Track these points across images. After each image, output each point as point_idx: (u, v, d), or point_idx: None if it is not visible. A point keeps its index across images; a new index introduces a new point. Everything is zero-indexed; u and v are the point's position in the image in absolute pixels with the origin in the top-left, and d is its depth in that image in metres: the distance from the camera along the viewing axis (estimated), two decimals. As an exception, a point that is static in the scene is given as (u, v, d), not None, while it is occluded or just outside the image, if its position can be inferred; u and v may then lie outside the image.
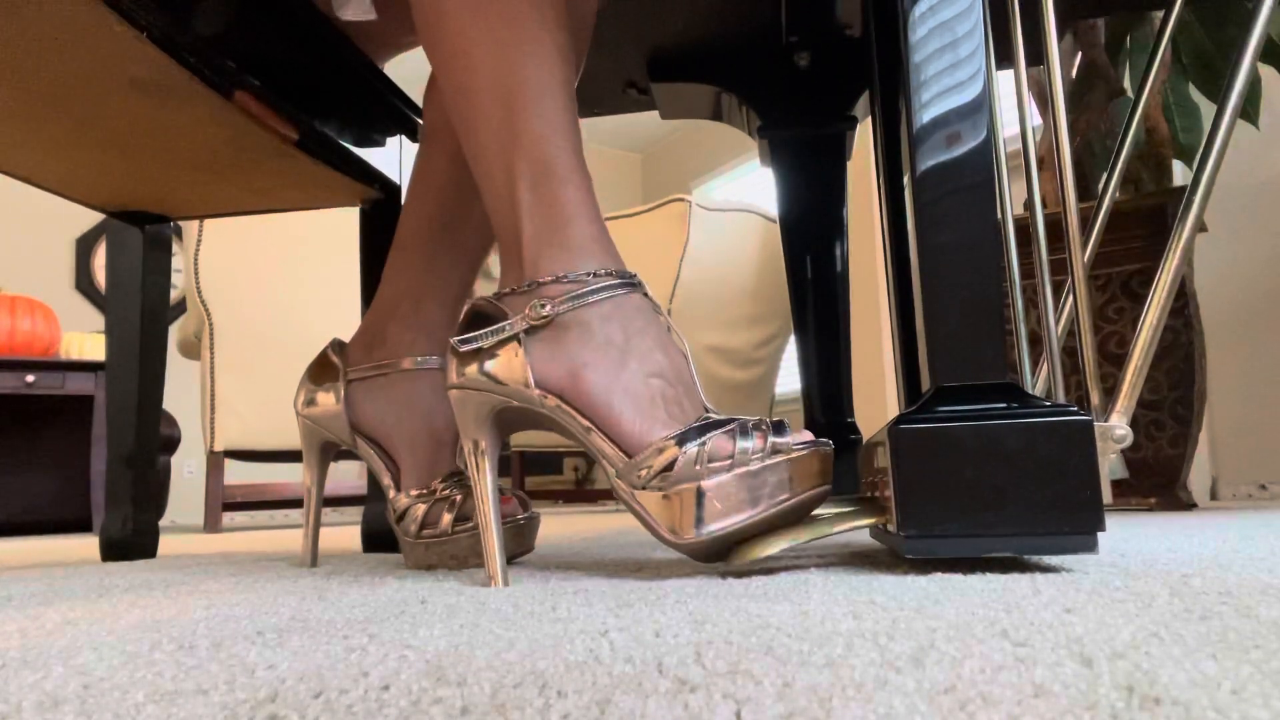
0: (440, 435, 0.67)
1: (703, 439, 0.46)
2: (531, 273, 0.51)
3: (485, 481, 0.50)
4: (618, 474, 0.48)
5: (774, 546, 0.46)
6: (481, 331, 0.51)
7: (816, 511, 0.50)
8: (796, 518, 0.47)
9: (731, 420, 0.47)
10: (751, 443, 0.46)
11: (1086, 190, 1.48)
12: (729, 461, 0.45)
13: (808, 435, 0.48)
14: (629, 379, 0.49)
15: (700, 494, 0.45)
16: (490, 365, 0.50)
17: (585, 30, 0.68)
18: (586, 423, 0.49)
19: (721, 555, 0.48)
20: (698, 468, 0.45)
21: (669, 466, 0.46)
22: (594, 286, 0.50)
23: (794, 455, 0.46)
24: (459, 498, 0.63)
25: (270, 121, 0.77)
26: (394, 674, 0.25)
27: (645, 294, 0.52)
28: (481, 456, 0.51)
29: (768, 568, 0.51)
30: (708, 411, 0.50)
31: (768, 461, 0.45)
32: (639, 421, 0.48)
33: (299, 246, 2.30)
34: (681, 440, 0.46)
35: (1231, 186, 2.48)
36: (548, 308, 0.49)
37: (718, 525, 0.45)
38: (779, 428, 0.47)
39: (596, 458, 0.49)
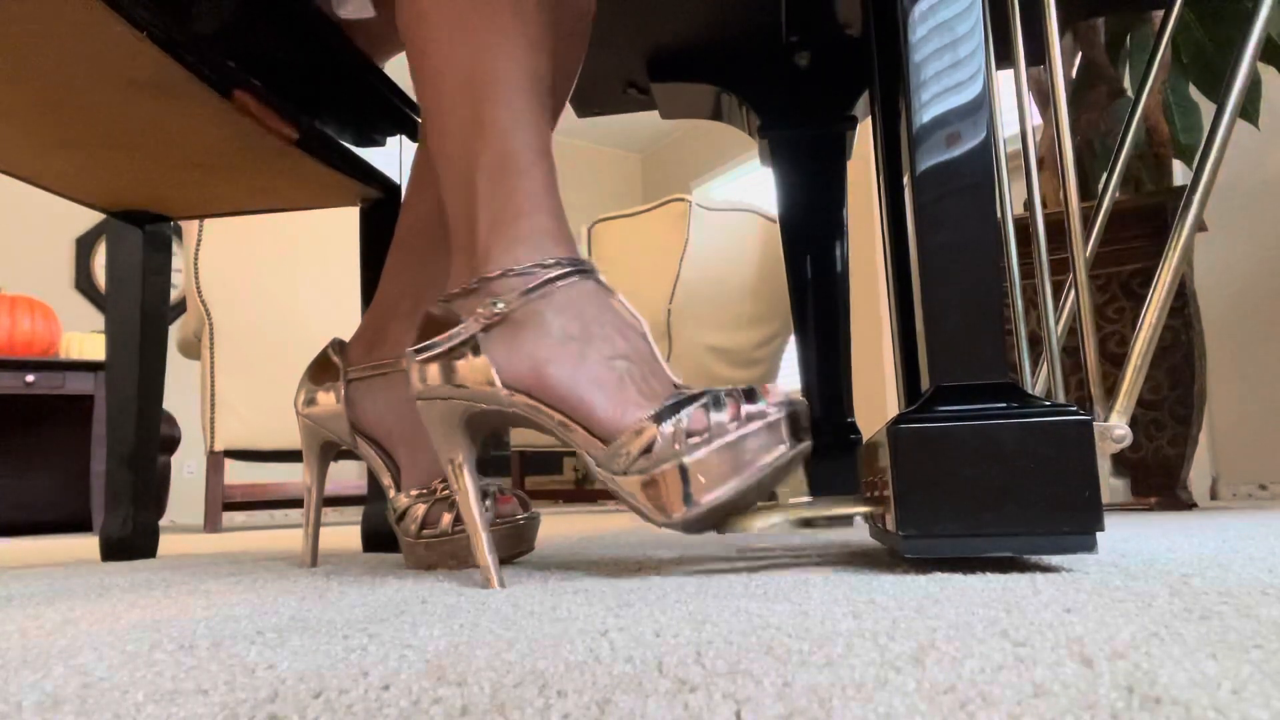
0: (440, 435, 0.67)
1: (678, 415, 0.46)
2: (481, 268, 0.51)
3: (467, 490, 0.50)
4: (598, 463, 0.48)
5: (768, 519, 0.47)
6: (438, 338, 0.50)
7: (811, 499, 0.50)
8: (783, 477, 0.48)
9: (704, 393, 0.48)
10: (726, 412, 0.46)
11: (1086, 190, 1.48)
12: (707, 434, 0.46)
13: (780, 394, 0.48)
14: (592, 367, 0.48)
15: (684, 470, 0.45)
16: (452, 370, 0.50)
17: (583, 27, 0.68)
18: (560, 417, 0.48)
19: (715, 526, 0.48)
20: (677, 445, 0.46)
21: (648, 448, 0.46)
22: (543, 278, 0.49)
23: (770, 418, 0.46)
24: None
25: (270, 121, 0.77)
26: (394, 674, 0.25)
27: (597, 280, 0.52)
28: (459, 470, 0.50)
29: (768, 567, 0.51)
30: (678, 387, 0.50)
31: (745, 429, 0.46)
32: (611, 407, 0.48)
33: (299, 246, 2.30)
34: (657, 419, 0.46)
35: (1231, 186, 2.48)
36: (500, 305, 0.49)
37: (706, 498, 0.45)
38: (750, 394, 0.48)
39: (576, 449, 0.49)
